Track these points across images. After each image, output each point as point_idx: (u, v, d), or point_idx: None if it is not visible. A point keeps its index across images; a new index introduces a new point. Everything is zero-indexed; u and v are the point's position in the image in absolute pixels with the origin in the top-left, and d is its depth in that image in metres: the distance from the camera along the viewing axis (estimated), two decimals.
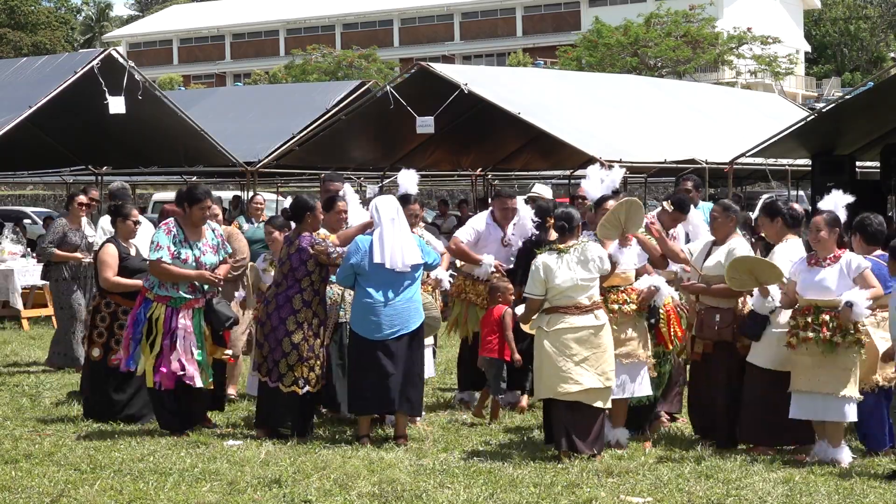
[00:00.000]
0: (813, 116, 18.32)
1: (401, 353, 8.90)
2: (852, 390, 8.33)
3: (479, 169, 25.97)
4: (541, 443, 8.93)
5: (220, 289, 9.43)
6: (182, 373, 9.07)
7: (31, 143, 19.86)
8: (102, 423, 9.61)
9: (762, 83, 54.58)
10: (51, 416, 10.06)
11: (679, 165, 20.31)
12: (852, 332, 8.26)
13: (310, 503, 7.34)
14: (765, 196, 26.14)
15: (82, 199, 12.78)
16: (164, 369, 9.06)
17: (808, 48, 69.71)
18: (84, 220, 12.84)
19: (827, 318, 8.27)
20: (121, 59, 17.91)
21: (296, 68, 59.49)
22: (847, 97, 18.41)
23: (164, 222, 9.36)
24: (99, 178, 24.63)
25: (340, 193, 9.98)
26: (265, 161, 20.76)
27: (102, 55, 17.63)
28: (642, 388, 8.86)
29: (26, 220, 29.48)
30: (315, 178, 26.85)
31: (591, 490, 7.54)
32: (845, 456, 8.32)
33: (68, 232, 12.51)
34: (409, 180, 10.14)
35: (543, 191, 14.11)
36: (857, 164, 18.81)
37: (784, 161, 20.73)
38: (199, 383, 9.14)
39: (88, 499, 7.36)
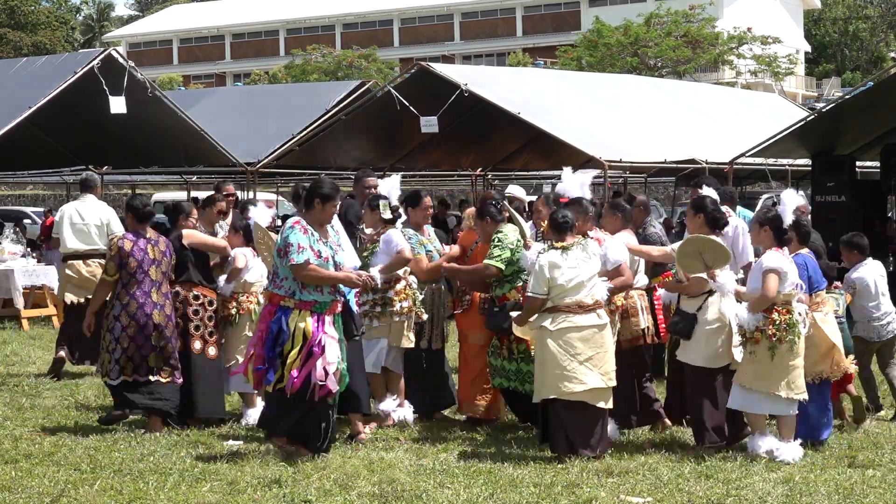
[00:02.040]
0: (813, 116, 18.30)
1: (354, 355, 9.01)
2: (784, 389, 8.43)
3: (479, 169, 25.97)
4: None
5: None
6: (322, 382, 8.41)
7: (31, 143, 19.86)
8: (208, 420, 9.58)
9: (762, 83, 54.59)
10: (51, 417, 10.07)
11: (679, 165, 20.30)
12: (765, 328, 8.38)
13: (310, 503, 7.34)
14: (764, 196, 26.14)
15: (222, 206, 12.21)
16: (296, 372, 8.36)
17: (808, 48, 69.74)
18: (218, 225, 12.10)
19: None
20: (121, 60, 17.91)
21: (296, 68, 59.54)
22: (847, 97, 18.39)
23: (293, 221, 8.56)
24: (99, 178, 24.60)
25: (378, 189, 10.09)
26: (265, 161, 20.75)
27: (102, 55, 17.62)
28: None
29: (26, 220, 29.50)
30: (315, 178, 26.86)
31: (591, 490, 7.54)
32: (765, 444, 8.44)
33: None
34: (391, 186, 10.15)
35: (517, 191, 14.45)
36: (857, 164, 18.78)
37: (784, 161, 20.71)
38: (335, 388, 8.55)
39: (88, 499, 7.36)
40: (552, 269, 8.45)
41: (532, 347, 8.97)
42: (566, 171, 9.63)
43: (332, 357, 8.41)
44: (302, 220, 8.55)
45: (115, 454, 8.53)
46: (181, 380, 9.45)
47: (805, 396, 8.51)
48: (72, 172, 25.98)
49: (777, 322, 8.35)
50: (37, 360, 13.28)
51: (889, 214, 19.05)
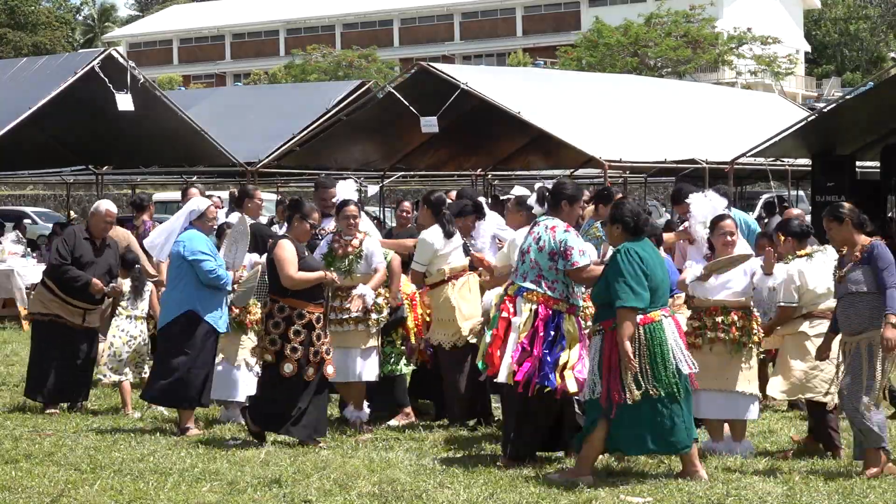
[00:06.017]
0: (813, 116, 18.33)
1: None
2: (755, 388, 8.66)
3: (480, 169, 25.98)
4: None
5: None
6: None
7: (32, 143, 19.88)
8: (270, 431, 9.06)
9: (762, 83, 54.58)
10: (51, 417, 10.06)
11: (679, 165, 20.33)
12: (756, 331, 8.58)
13: (310, 503, 7.34)
14: (765, 196, 26.15)
15: (406, 205, 11.82)
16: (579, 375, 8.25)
17: (808, 48, 69.70)
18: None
19: (736, 318, 8.55)
20: (121, 60, 17.93)
21: (296, 68, 59.51)
22: (847, 97, 18.41)
23: (564, 225, 8.35)
24: (99, 177, 24.67)
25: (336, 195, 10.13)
26: (265, 161, 20.78)
27: (103, 55, 17.65)
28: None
29: (26, 220, 29.50)
30: (315, 178, 26.90)
31: (591, 490, 7.53)
32: (745, 448, 8.64)
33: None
34: (347, 189, 10.15)
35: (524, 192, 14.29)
36: (857, 164, 18.82)
37: (784, 161, 20.74)
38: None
39: (88, 499, 7.36)
40: (801, 277, 8.54)
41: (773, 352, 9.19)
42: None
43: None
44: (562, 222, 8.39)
45: (115, 454, 8.53)
46: None
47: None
48: (72, 172, 26.02)
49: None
50: None
51: (889, 214, 19.07)
